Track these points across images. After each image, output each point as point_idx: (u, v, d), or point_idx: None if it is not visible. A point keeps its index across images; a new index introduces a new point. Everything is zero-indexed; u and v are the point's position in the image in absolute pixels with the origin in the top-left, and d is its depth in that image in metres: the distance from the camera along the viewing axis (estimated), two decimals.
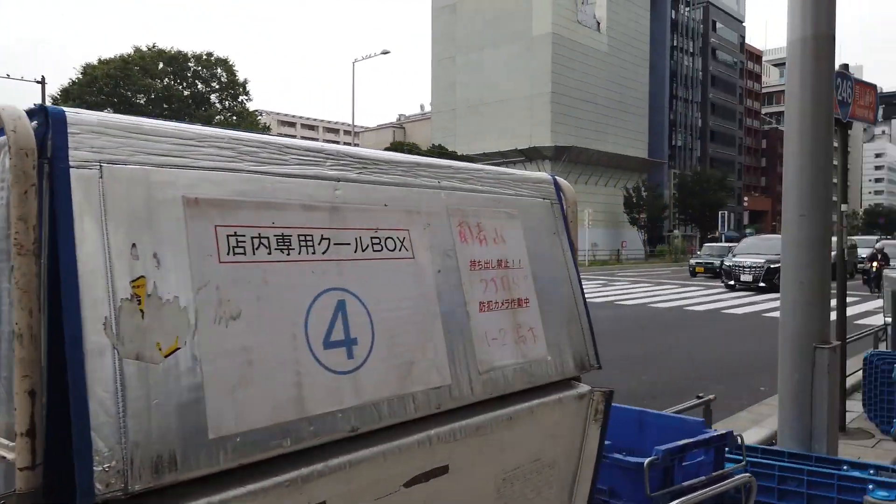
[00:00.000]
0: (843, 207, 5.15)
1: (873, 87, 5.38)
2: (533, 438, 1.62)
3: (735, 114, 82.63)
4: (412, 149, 48.75)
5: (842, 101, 4.89)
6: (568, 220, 1.81)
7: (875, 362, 5.32)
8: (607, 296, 18.71)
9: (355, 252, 1.35)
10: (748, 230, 77.30)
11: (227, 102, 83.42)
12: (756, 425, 5.29)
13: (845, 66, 5.16)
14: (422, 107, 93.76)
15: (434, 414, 1.44)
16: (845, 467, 2.86)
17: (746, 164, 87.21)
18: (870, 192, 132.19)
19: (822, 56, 2.88)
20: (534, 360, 1.61)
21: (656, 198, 59.89)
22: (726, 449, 2.82)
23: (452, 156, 49.21)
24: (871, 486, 2.66)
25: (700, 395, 3.71)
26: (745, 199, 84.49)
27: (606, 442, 2.66)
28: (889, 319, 6.20)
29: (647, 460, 1.90)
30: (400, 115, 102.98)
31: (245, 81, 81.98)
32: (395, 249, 1.41)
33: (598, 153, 57.48)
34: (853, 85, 5.01)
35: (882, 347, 6.76)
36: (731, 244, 28.41)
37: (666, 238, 61.61)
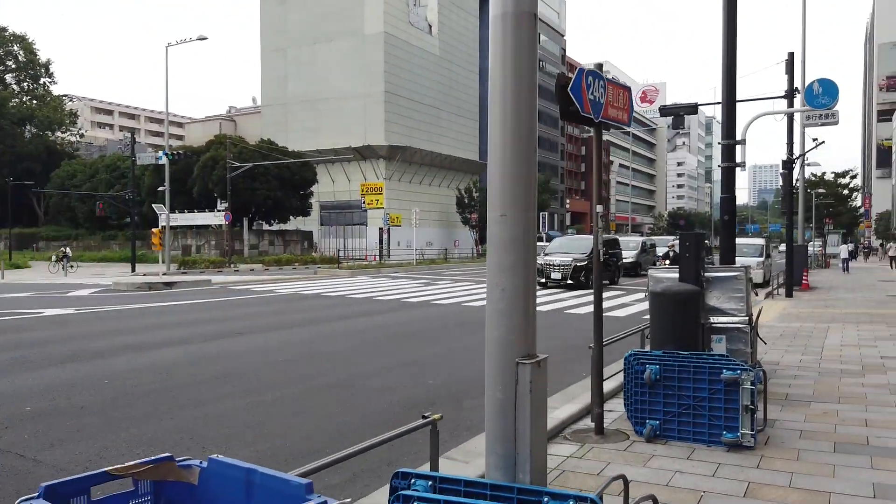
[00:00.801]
0: (598, 209, 5.10)
1: (627, 88, 5.42)
2: None
3: (558, 121, 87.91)
4: (238, 143, 46.12)
5: (594, 100, 4.81)
6: None
7: (632, 362, 5.36)
8: (425, 295, 18.62)
9: None
10: (570, 230, 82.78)
11: (25, 84, 74.14)
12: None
13: (599, 66, 5.12)
14: (254, 99, 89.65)
15: None
16: (546, 499, 2.57)
17: (568, 168, 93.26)
18: (673, 197, 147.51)
19: (524, 33, 2.57)
20: None
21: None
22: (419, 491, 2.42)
23: (282, 151, 47.26)
24: None
25: (426, 414, 3.32)
26: (568, 201, 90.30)
27: None
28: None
29: None
30: (231, 108, 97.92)
31: (48, 62, 73.28)
32: None
33: (431, 154, 58.28)
34: (605, 84, 4.96)
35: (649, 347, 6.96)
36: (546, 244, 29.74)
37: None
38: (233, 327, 11.87)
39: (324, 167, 54.79)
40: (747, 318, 6.44)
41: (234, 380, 7.54)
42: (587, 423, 5.50)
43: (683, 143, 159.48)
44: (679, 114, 18.46)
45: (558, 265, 20.65)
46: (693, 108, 17.57)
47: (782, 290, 18.88)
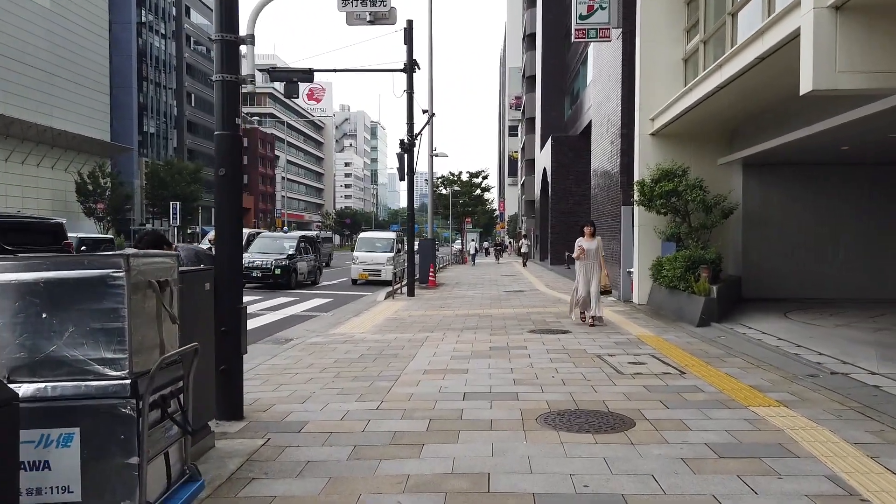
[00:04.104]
0: None
1: None
2: None
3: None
4: None
5: None
6: None
7: None
8: None
9: None
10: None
11: None
12: None
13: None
14: None
15: None
16: None
17: None
18: (341, 196, 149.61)
19: None
20: None
21: (119, 186, 52.75)
22: None
23: None
24: None
25: None
26: None
27: None
28: None
29: None
30: None
31: None
32: None
33: (38, 127, 46.80)
34: None
35: None
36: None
37: (133, 232, 54.88)
38: None
39: None
40: (132, 378, 2.69)
41: None
42: None
43: (350, 145, 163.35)
44: (292, 80, 16.23)
45: None
46: (309, 75, 15.90)
47: (407, 289, 16.77)
